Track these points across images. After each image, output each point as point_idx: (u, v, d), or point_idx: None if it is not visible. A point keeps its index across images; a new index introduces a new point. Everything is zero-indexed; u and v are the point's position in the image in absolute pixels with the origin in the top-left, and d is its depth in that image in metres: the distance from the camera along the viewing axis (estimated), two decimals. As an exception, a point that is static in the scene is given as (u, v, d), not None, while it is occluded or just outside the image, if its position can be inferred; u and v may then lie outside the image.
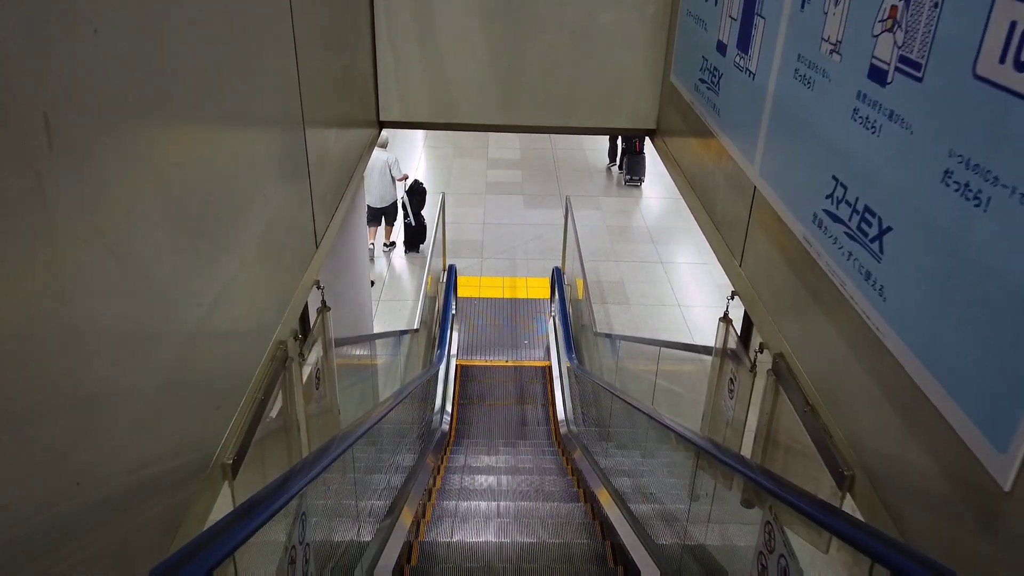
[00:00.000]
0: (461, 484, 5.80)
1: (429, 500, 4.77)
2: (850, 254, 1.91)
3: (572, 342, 7.47)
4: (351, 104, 3.59)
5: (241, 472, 1.91)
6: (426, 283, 8.50)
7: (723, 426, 2.93)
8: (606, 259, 10.91)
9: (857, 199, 1.88)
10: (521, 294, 10.16)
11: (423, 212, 10.68)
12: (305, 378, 2.59)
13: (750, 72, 2.68)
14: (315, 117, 2.72)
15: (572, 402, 7.55)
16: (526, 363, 8.94)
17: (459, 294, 9.89)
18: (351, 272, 5.42)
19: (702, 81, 3.30)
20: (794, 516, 1.85)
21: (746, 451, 2.59)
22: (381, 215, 10.27)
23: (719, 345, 2.92)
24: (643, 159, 12.98)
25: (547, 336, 9.29)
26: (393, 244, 10.83)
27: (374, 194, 9.88)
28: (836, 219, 1.99)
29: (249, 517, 1.46)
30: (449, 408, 7.41)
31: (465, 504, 4.96)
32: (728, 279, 2.88)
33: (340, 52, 3.29)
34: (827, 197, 2.04)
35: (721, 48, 3.02)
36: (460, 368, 8.68)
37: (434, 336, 8.27)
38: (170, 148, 1.51)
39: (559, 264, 9.95)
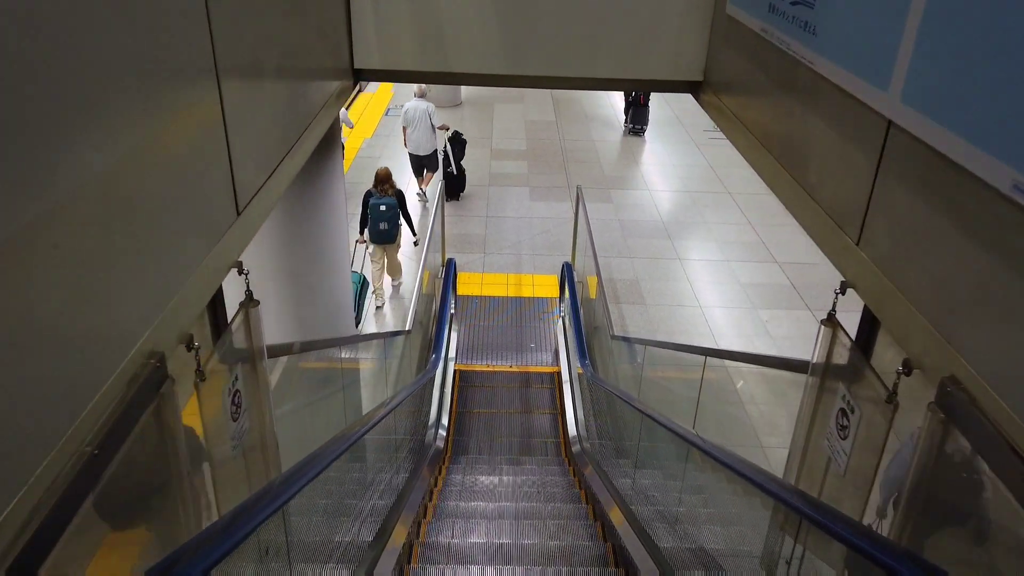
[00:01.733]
0: (458, 509, 4.94)
1: (413, 553, 3.89)
2: None
3: (585, 346, 6.59)
4: (306, 39, 2.72)
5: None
6: (422, 279, 7.64)
7: (821, 474, 2.05)
8: (619, 255, 10.04)
9: None
10: (527, 292, 9.29)
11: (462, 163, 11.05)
12: (206, 405, 1.72)
13: (880, -46, 1.80)
14: (235, 43, 1.86)
15: (585, 415, 6.67)
16: (533, 368, 8.06)
17: (459, 292, 9.03)
18: (328, 260, 4.56)
19: (782, -3, 2.42)
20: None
21: (879, 522, 1.71)
22: (422, 164, 10.57)
23: (820, 359, 2.04)
24: (647, 110, 14.47)
25: (556, 339, 8.42)
26: (423, 195, 10.93)
27: (415, 142, 10.27)
28: (1112, 144, 1.12)
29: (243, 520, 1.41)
30: (445, 420, 6.54)
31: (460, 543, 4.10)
32: (835, 266, 2.01)
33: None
34: (1084, 109, 1.16)
35: (819, -60, 2.15)
36: (459, 373, 7.81)
37: (430, 338, 7.41)
38: None
39: (568, 260, 9.08)
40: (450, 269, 8.14)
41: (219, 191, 1.78)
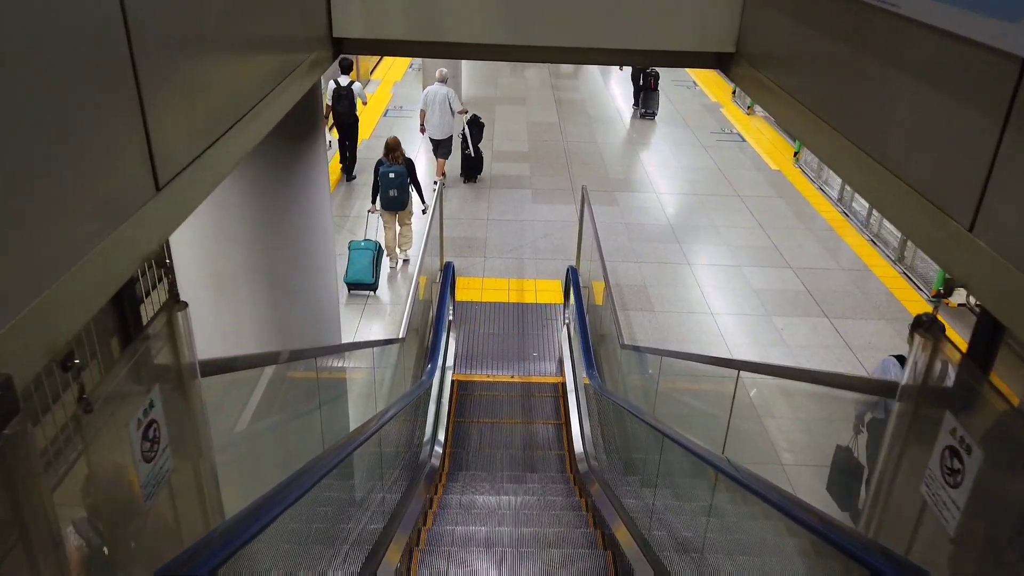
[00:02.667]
0: (454, 535, 4.49)
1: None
2: None
3: (592, 355, 6.13)
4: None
5: None
6: (417, 285, 7.18)
7: (911, 526, 1.59)
8: (625, 259, 9.60)
9: None
10: (529, 298, 8.84)
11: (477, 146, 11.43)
12: (97, 444, 1.26)
13: None
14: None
15: (592, 429, 6.20)
16: (535, 379, 7.60)
17: (458, 298, 8.58)
18: (311, 259, 4.11)
19: (848, -67, 1.97)
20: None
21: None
22: (438, 147, 10.86)
23: (915, 380, 1.58)
24: (657, 95, 14.85)
25: (560, 347, 7.96)
26: (441, 180, 11.02)
27: (434, 126, 10.61)
28: None
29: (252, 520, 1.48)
30: (442, 436, 6.07)
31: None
32: (935, 261, 1.56)
33: None
34: None
35: None
36: (456, 384, 7.35)
37: (427, 347, 6.95)
38: None
39: (573, 264, 8.63)
40: (448, 273, 7.68)
41: (125, 158, 1.34)
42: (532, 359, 7.88)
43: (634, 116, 15.18)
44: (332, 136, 11.15)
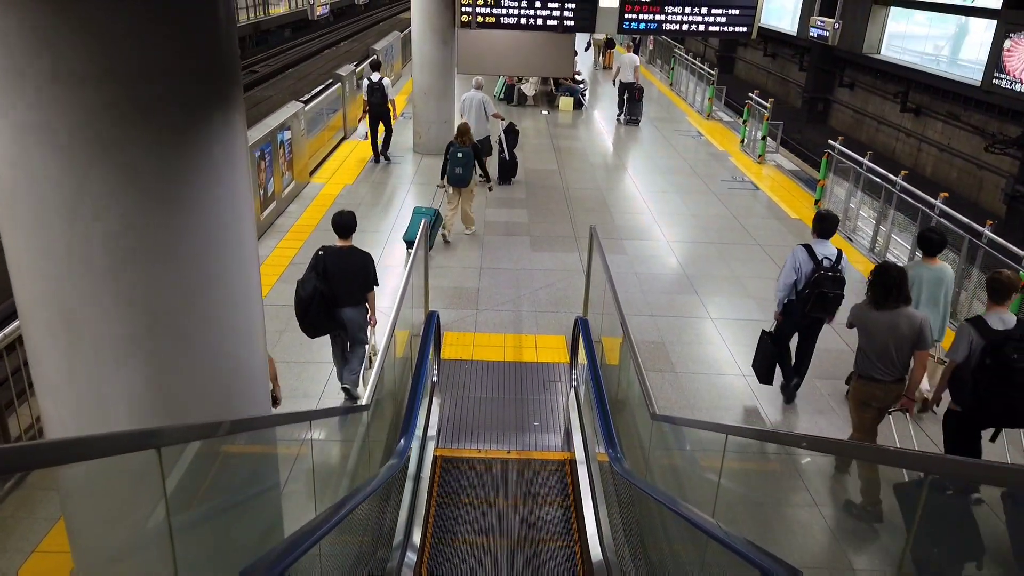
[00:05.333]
0: None
1: None
2: None
3: (611, 426, 4.81)
4: None
5: None
6: (394, 340, 5.86)
7: None
8: (638, 312, 8.35)
9: None
10: (529, 356, 7.53)
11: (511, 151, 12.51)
12: None
13: None
14: None
15: (612, 525, 4.82)
16: (537, 455, 6.23)
17: (444, 355, 7.27)
18: (224, 298, 2.81)
19: None
20: None
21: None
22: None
23: None
24: (641, 105, 17.57)
25: (567, 415, 6.61)
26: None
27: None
28: None
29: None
30: (417, 538, 4.65)
31: None
32: None
33: None
34: None
35: None
36: (440, 460, 5.97)
37: (403, 415, 5.60)
38: None
39: (580, 315, 7.35)
40: (431, 324, 6.39)
41: None
42: (533, 430, 6.52)
43: (619, 123, 17.61)
44: (365, 126, 13.11)
